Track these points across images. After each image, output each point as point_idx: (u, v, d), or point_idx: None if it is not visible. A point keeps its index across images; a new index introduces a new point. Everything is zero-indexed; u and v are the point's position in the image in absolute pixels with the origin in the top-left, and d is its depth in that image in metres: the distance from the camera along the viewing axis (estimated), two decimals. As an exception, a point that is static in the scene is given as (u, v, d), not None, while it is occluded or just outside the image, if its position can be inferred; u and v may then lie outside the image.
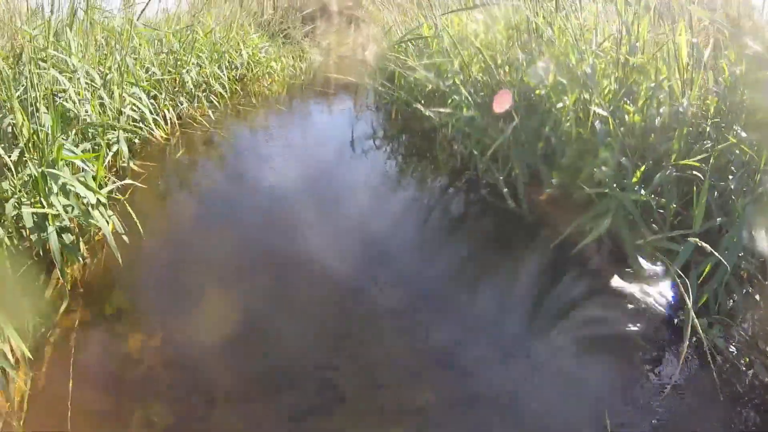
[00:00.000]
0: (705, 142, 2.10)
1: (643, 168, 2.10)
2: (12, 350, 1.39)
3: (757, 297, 1.78)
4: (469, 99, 3.01)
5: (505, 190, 2.65)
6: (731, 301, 1.78)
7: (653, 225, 2.05)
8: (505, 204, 2.61)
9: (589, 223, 2.12)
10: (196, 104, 4.38)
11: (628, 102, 2.43)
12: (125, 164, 2.77)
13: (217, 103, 4.66)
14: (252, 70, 6.16)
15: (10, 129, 1.98)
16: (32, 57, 2.02)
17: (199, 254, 2.17)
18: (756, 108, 1.96)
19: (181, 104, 4.15)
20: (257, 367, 1.55)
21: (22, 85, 2.04)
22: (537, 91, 2.82)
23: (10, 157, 1.80)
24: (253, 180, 3.11)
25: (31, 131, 1.86)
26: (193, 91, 4.34)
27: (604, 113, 2.25)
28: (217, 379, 1.49)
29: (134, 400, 1.39)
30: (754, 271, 1.75)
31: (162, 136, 3.34)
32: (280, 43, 8.04)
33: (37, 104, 1.93)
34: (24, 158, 1.88)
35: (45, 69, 2.12)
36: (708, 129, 2.09)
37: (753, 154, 1.79)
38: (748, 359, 1.62)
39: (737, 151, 1.92)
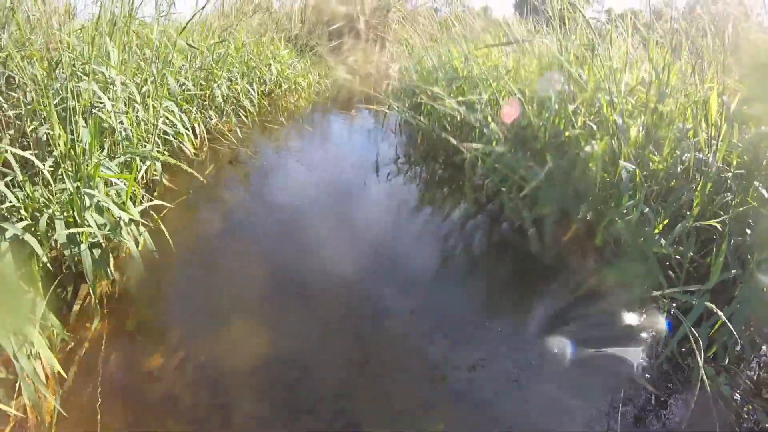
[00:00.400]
0: (726, 194, 2.09)
1: (665, 221, 2.10)
2: (43, 367, 1.40)
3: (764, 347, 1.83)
4: (500, 134, 3.01)
5: (532, 230, 2.65)
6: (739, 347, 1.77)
7: (669, 272, 2.05)
8: (529, 244, 2.60)
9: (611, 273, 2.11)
10: (224, 119, 4.43)
11: (654, 151, 2.43)
12: (157, 177, 2.80)
13: (245, 119, 4.71)
14: (281, 86, 6.24)
15: (45, 138, 2.02)
16: (73, 68, 2.05)
17: (226, 274, 2.18)
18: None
19: (211, 119, 4.21)
20: (277, 389, 1.55)
21: (59, 95, 2.08)
22: (566, 133, 2.82)
23: (44, 165, 1.83)
24: (277, 201, 3.12)
25: (68, 144, 1.89)
26: (222, 105, 4.39)
27: (631, 166, 2.25)
28: (237, 399, 1.49)
29: (158, 418, 1.39)
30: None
31: (192, 151, 3.37)
32: (307, 59, 8.12)
33: (76, 117, 1.97)
34: (58, 170, 1.92)
35: (86, 81, 2.15)
36: (729, 182, 2.09)
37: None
38: (751, 407, 1.62)
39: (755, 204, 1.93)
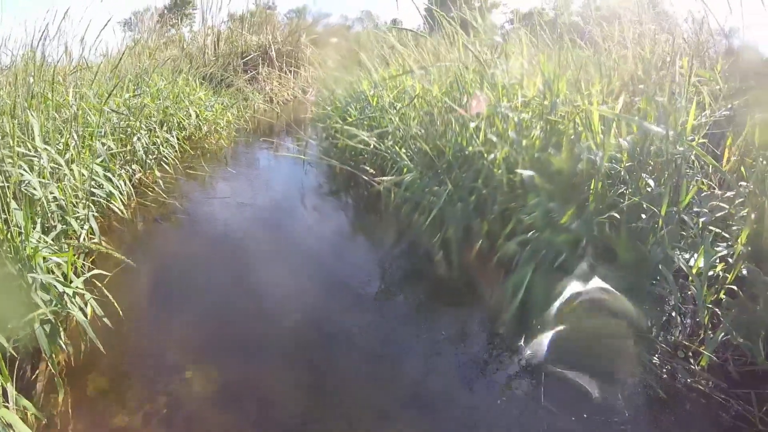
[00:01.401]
0: (621, 185, 2.52)
1: (571, 211, 2.47)
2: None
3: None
4: (409, 163, 3.35)
5: (440, 252, 2.96)
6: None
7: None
8: (439, 268, 2.91)
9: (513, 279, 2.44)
10: (147, 171, 4.52)
11: (552, 152, 2.80)
12: (96, 242, 2.90)
13: (168, 168, 4.80)
14: (200, 129, 6.34)
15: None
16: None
17: (175, 328, 2.34)
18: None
19: (134, 173, 4.30)
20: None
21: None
22: (470, 148, 3.16)
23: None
24: (212, 246, 3.28)
25: (3, 230, 2.01)
26: (143, 158, 4.47)
27: (529, 173, 2.62)
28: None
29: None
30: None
31: (120, 209, 3.47)
32: (224, 95, 8.23)
33: (7, 200, 2.11)
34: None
35: (12, 164, 2.28)
36: (623, 174, 2.51)
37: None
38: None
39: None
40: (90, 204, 2.99)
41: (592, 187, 2.52)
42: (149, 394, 1.91)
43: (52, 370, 1.85)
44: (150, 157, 4.58)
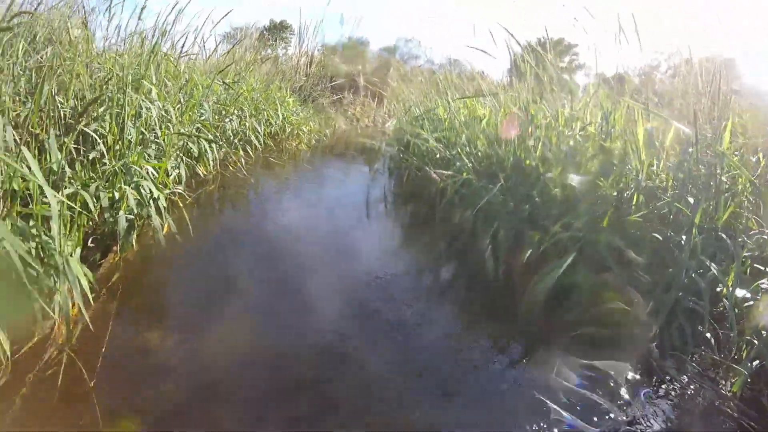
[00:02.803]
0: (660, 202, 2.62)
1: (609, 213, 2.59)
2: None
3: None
4: (468, 165, 3.56)
5: (488, 253, 3.11)
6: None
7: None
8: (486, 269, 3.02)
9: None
10: (232, 150, 4.98)
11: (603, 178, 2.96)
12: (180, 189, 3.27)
13: (251, 153, 5.25)
14: (284, 130, 6.84)
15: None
16: (129, 84, 2.59)
17: (230, 265, 2.62)
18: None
19: (221, 148, 4.75)
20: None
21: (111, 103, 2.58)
22: (527, 162, 3.35)
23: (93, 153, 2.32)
24: (270, 225, 3.53)
25: (117, 137, 2.39)
26: (231, 138, 4.94)
27: (578, 177, 2.78)
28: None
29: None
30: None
31: (203, 172, 3.88)
32: (310, 109, 8.80)
33: (125, 120, 2.49)
34: (103, 159, 2.40)
35: (137, 96, 2.68)
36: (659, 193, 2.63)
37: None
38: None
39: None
40: (181, 155, 3.39)
41: (634, 200, 2.65)
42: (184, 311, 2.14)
43: (118, 255, 2.15)
44: (236, 138, 5.03)
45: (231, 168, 4.62)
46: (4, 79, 1.98)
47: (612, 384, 1.92)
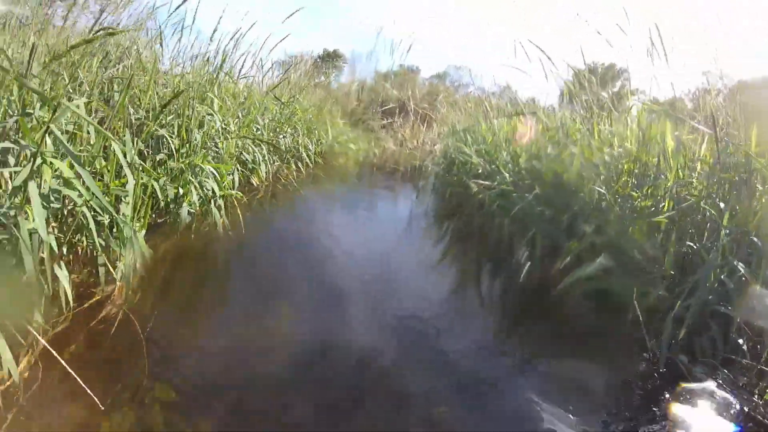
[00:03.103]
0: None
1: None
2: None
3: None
4: (506, 177, 3.69)
5: (528, 263, 3.21)
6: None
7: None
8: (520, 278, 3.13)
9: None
10: (285, 165, 5.29)
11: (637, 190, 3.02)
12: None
13: (302, 169, 5.56)
14: (334, 149, 7.16)
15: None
16: (195, 96, 2.90)
17: (271, 263, 2.82)
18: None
19: (274, 162, 5.06)
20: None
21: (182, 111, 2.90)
22: (565, 176, 3.45)
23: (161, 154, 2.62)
24: (317, 234, 3.64)
25: (184, 140, 2.68)
26: (284, 154, 5.25)
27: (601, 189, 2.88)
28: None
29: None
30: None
31: (256, 182, 4.17)
32: (360, 131, 9.14)
33: (190, 126, 2.79)
34: (170, 160, 2.69)
35: (202, 107, 2.99)
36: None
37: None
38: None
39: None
40: (237, 165, 3.69)
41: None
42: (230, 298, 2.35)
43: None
44: (289, 154, 5.35)
45: (283, 180, 4.91)
46: (90, 85, 2.30)
47: (636, 388, 1.97)
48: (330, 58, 18.18)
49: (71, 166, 1.55)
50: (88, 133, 1.96)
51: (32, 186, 1.33)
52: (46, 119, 1.56)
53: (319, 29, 29.89)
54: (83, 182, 1.53)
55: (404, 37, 20.20)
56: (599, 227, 2.98)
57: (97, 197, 1.50)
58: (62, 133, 1.83)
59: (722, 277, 2.18)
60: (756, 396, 1.88)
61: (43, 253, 1.45)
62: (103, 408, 1.38)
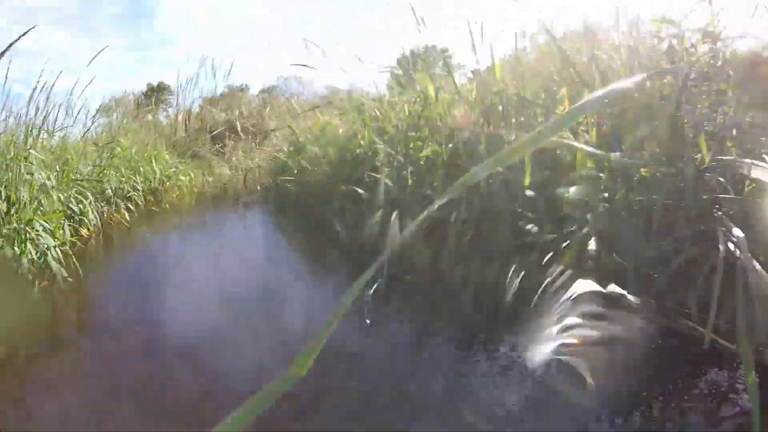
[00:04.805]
0: None
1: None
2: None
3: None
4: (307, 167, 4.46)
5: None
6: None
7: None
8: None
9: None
10: (114, 209, 5.38)
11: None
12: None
13: (133, 210, 5.69)
14: (164, 184, 7.29)
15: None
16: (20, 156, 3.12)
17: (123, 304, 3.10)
18: None
19: (102, 209, 5.15)
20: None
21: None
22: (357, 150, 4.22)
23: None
24: (161, 271, 3.96)
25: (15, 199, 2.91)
26: (112, 198, 5.36)
27: None
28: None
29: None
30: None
31: (86, 234, 4.31)
32: (188, 161, 9.25)
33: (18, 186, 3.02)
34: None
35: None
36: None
37: None
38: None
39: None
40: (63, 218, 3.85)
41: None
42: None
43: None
44: (117, 197, 5.46)
45: (114, 226, 5.04)
46: None
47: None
48: (154, 93, 17.60)
49: None
50: None
51: None
52: None
53: (146, 63, 28.99)
54: None
55: (226, 57, 20.08)
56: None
57: None
58: None
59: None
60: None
61: None
62: None
